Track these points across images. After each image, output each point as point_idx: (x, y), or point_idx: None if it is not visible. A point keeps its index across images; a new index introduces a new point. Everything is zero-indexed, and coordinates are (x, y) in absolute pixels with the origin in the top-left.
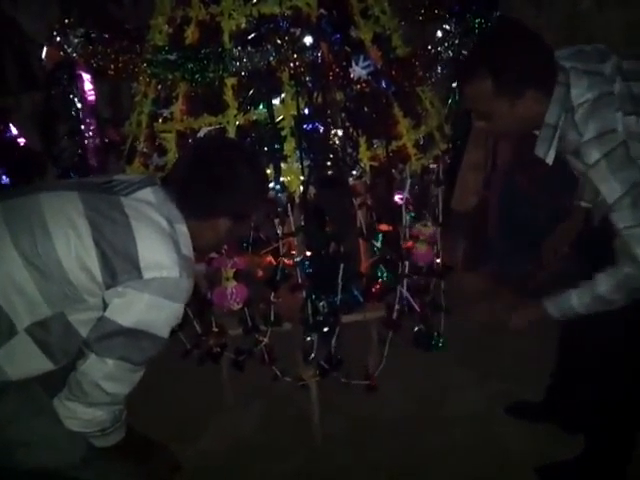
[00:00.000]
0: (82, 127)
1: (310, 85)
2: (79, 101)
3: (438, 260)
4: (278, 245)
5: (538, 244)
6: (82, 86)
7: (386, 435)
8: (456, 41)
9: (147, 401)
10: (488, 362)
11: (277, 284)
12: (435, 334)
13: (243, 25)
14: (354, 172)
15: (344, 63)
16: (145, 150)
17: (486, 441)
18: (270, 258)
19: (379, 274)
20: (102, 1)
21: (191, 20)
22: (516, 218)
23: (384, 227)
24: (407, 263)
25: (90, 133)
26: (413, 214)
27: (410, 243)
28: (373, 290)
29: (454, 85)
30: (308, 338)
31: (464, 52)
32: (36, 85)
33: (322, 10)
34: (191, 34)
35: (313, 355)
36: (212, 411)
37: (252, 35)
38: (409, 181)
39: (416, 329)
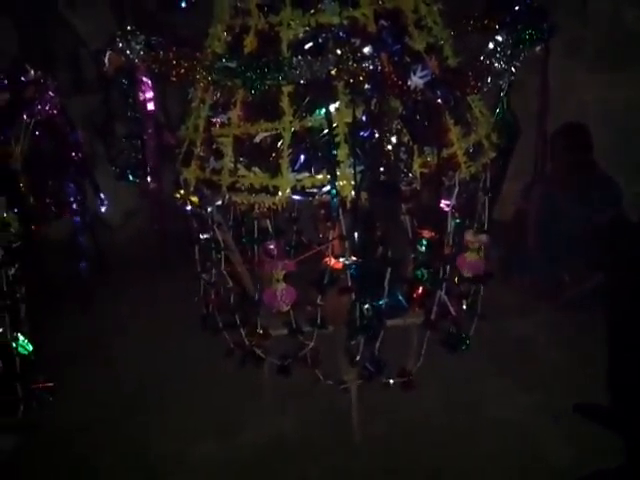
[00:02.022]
0: (141, 130)
1: (369, 94)
2: (139, 105)
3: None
4: (322, 248)
5: (574, 256)
6: (144, 92)
7: (424, 438)
8: (508, 52)
9: (189, 397)
10: (527, 371)
11: (325, 287)
12: (463, 336)
13: (301, 35)
14: (405, 179)
15: (403, 73)
16: (202, 154)
17: (524, 448)
18: (327, 259)
19: (420, 277)
20: (155, 8)
21: (250, 29)
22: (554, 231)
23: (427, 233)
24: (448, 268)
25: (148, 136)
26: (459, 221)
27: (453, 250)
28: (415, 295)
29: (502, 95)
30: (353, 341)
31: (515, 63)
32: (88, 88)
33: (382, 21)
34: (250, 43)
35: (358, 358)
36: (251, 409)
37: (310, 44)
38: (457, 189)
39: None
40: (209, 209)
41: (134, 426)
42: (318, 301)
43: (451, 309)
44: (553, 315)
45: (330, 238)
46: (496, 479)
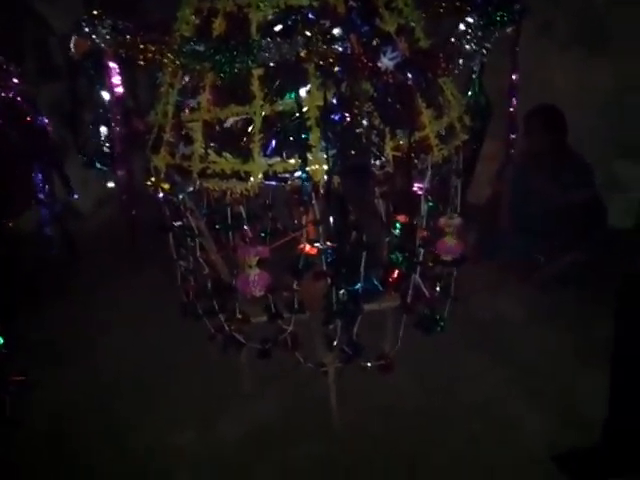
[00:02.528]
0: (109, 117)
1: (339, 76)
2: (107, 91)
3: None
4: (298, 234)
5: (547, 235)
6: (110, 77)
7: (402, 422)
8: (479, 33)
9: (167, 386)
10: (499, 349)
11: (301, 272)
12: (437, 318)
13: (270, 16)
14: (377, 162)
15: (372, 54)
16: (171, 140)
17: (501, 427)
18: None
19: (394, 260)
20: None
21: (218, 11)
22: (528, 211)
23: (402, 217)
24: (422, 251)
25: (116, 123)
26: (432, 204)
27: (426, 233)
28: (390, 279)
29: (474, 77)
30: (331, 326)
31: (486, 45)
32: (57, 75)
33: (351, 2)
34: (218, 25)
35: (336, 342)
36: (230, 397)
37: (279, 26)
38: (429, 172)
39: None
40: (180, 196)
41: (114, 416)
42: (294, 287)
43: (425, 292)
44: (528, 295)
45: (304, 223)
46: (476, 460)
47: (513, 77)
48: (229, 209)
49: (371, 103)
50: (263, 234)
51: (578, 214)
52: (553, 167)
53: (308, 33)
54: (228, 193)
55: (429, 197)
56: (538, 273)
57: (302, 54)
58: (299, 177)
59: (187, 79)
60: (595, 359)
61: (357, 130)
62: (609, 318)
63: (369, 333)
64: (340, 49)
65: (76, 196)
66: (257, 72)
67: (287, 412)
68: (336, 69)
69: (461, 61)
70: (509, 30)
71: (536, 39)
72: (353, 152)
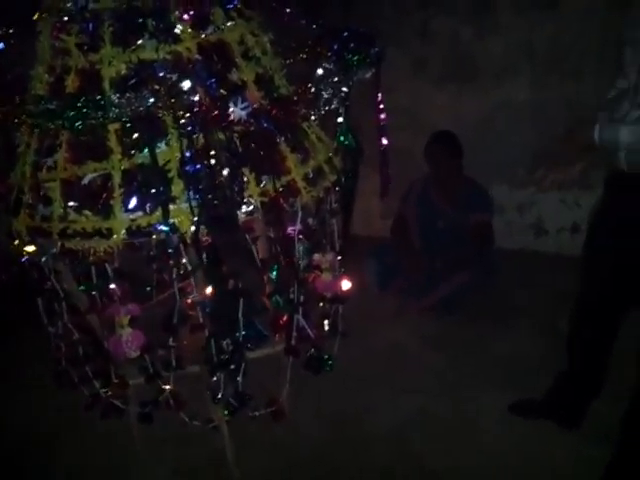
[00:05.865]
0: None
1: (190, 128)
2: None
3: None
4: (174, 288)
5: (442, 260)
6: None
7: (305, 464)
8: (335, 79)
9: (57, 457)
10: (399, 379)
11: (175, 327)
12: (325, 357)
13: (123, 71)
14: (244, 209)
15: (222, 105)
16: (30, 201)
17: (405, 460)
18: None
19: (275, 304)
20: None
21: (71, 69)
22: (430, 235)
23: (278, 260)
24: (302, 292)
25: None
26: (307, 245)
27: (304, 273)
28: (280, 322)
29: (340, 120)
30: (214, 378)
31: (344, 89)
32: None
33: (197, 56)
34: (71, 82)
35: (220, 395)
36: (125, 462)
37: (132, 81)
38: (300, 214)
39: (308, 354)
40: (44, 258)
41: None
42: (170, 342)
43: (309, 332)
44: (419, 320)
45: (174, 276)
46: None
47: (380, 117)
48: (93, 268)
49: (229, 152)
50: (149, 288)
51: (474, 237)
52: (454, 192)
53: (156, 87)
54: (91, 252)
55: (302, 238)
56: (429, 298)
57: (152, 108)
58: (162, 230)
59: (43, 138)
60: (495, 381)
61: (218, 180)
62: (502, 340)
63: (264, 380)
64: (190, 101)
65: None
66: (113, 127)
67: (185, 471)
68: (186, 121)
69: (321, 106)
70: (368, 75)
71: (412, 76)
72: (217, 201)
